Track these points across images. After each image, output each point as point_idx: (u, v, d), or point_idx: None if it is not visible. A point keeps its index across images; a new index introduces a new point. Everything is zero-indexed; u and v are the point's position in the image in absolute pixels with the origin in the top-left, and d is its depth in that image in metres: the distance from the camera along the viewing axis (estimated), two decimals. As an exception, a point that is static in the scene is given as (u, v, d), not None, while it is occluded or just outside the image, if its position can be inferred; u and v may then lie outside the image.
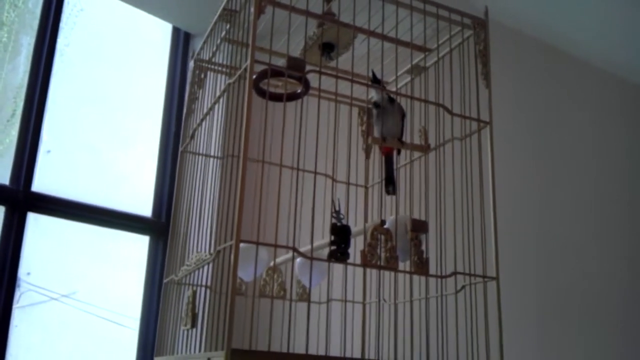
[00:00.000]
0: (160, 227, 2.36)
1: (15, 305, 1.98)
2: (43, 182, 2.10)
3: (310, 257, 1.19)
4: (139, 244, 2.34)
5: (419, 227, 1.26)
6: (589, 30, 2.07)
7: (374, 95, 1.52)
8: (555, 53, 2.24)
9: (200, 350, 1.24)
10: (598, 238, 2.01)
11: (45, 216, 2.12)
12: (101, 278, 2.27)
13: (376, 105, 1.49)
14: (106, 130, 2.40)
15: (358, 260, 1.21)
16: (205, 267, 1.29)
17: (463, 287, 1.32)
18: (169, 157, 2.46)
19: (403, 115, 1.49)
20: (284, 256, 1.49)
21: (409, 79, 1.61)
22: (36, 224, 2.09)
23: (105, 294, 2.25)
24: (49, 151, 2.19)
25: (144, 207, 2.37)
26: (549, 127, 2.20)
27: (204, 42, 1.59)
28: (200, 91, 1.59)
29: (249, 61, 1.18)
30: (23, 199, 2.03)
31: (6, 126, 2.13)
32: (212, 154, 1.51)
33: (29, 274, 2.08)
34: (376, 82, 1.46)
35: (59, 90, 2.22)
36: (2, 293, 1.94)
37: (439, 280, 1.28)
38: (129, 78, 2.51)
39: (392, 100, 1.48)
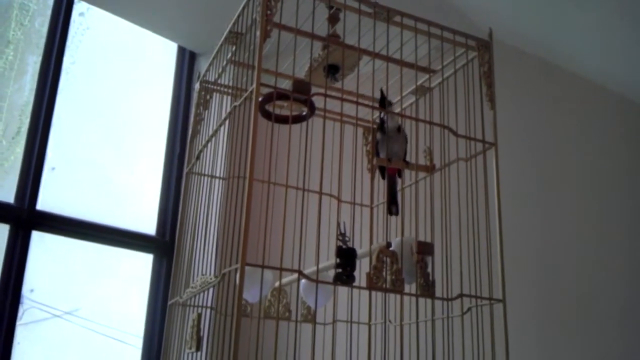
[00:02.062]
0: (164, 245, 2.36)
1: (18, 322, 1.98)
2: (47, 200, 2.10)
3: (315, 280, 1.18)
4: (142, 262, 2.34)
5: (424, 249, 1.25)
6: (594, 50, 2.07)
7: (384, 116, 1.51)
8: (560, 72, 2.24)
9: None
10: (605, 259, 1.99)
11: (50, 234, 2.12)
12: (104, 295, 2.26)
13: (382, 130, 1.48)
14: (111, 148, 2.40)
15: (364, 282, 1.21)
16: (210, 289, 1.29)
17: (469, 309, 1.31)
18: (174, 175, 2.46)
19: (406, 140, 1.49)
20: (289, 277, 1.48)
21: (413, 99, 1.61)
22: (40, 241, 2.08)
23: (108, 311, 2.24)
24: (53, 168, 2.19)
25: (147, 225, 2.37)
26: (555, 147, 2.19)
27: (210, 64, 1.59)
28: (206, 112, 1.59)
29: (254, 85, 1.18)
30: (27, 217, 2.03)
31: (11, 143, 2.13)
32: (217, 175, 1.51)
33: (32, 291, 2.07)
34: (383, 102, 1.45)
35: (65, 108, 2.23)
36: (6, 310, 1.93)
37: (445, 302, 1.28)
38: (134, 96, 2.52)
39: (399, 129, 1.48)
